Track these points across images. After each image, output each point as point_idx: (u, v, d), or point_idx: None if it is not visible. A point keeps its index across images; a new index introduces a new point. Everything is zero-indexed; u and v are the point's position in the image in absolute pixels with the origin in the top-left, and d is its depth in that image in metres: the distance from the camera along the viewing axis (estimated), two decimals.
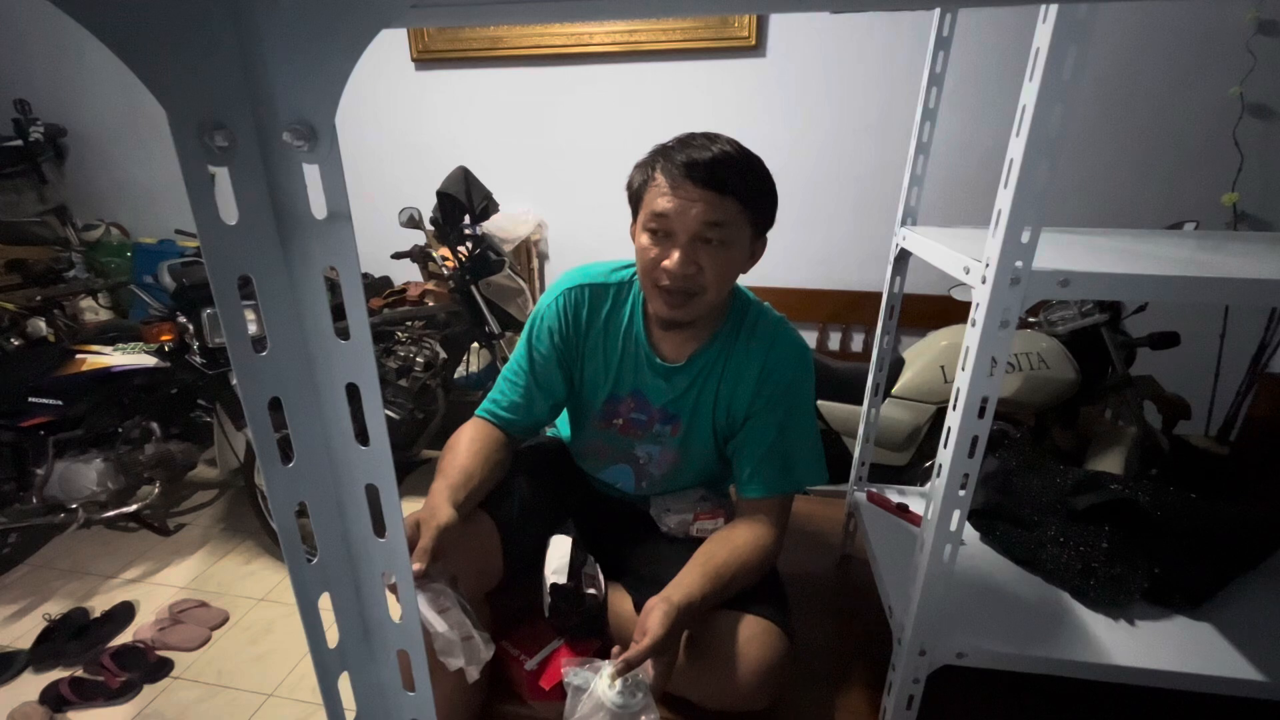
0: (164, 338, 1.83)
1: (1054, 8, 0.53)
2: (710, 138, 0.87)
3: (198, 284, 1.72)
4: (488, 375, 2.31)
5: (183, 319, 1.79)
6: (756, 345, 0.97)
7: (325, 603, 0.37)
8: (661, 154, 0.89)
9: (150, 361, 1.83)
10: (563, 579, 0.90)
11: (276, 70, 0.28)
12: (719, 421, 1.01)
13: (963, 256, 0.70)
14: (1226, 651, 0.81)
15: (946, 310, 1.99)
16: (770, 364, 0.96)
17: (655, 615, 0.78)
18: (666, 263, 0.87)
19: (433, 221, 1.94)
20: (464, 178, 1.92)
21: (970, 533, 1.06)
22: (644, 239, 0.89)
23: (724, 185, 0.85)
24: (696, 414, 1.00)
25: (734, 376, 0.98)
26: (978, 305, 0.64)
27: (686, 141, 0.88)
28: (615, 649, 0.78)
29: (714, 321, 0.98)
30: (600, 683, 0.75)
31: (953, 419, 0.69)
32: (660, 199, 0.86)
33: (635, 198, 0.92)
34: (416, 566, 0.76)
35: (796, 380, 0.97)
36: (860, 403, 1.20)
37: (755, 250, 0.93)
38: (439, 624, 0.74)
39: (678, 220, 0.85)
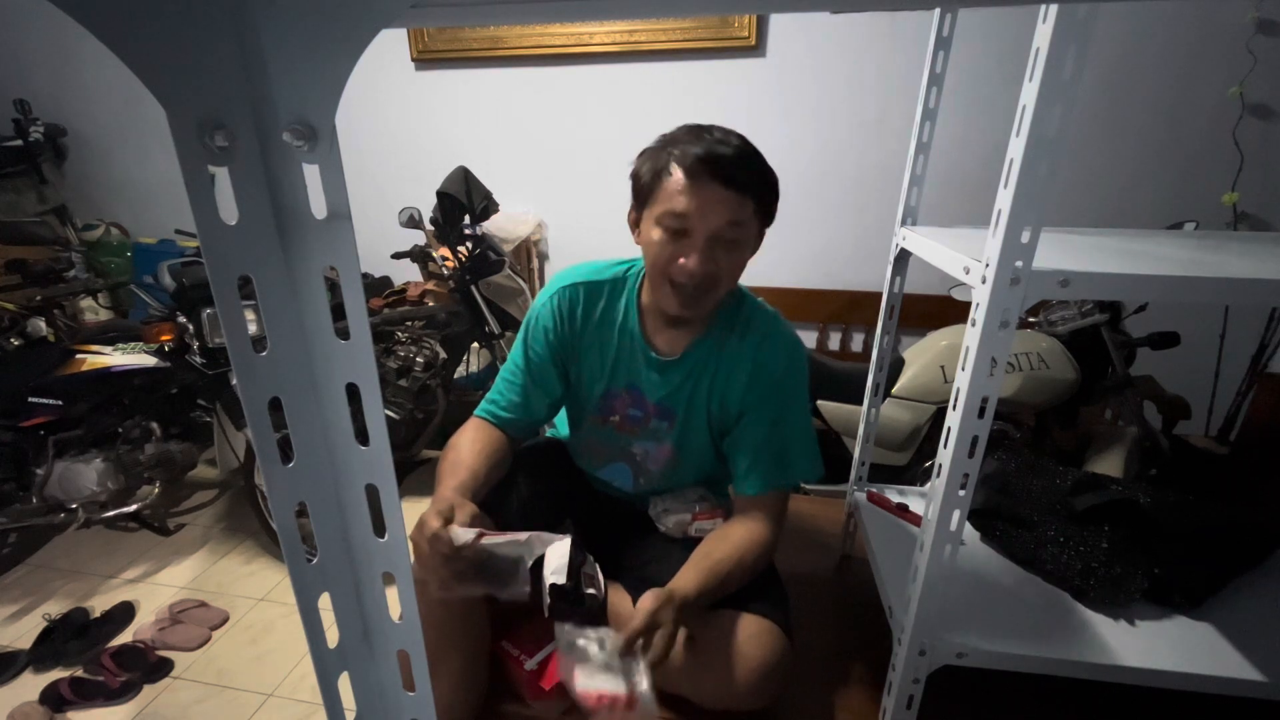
0: (164, 338, 1.83)
1: (1054, 8, 0.53)
2: (724, 132, 0.86)
3: (198, 284, 1.72)
4: (488, 375, 2.31)
5: (183, 319, 1.79)
6: (750, 339, 0.97)
7: (325, 603, 0.37)
8: (675, 145, 0.85)
9: (150, 361, 1.83)
10: (563, 579, 0.90)
11: (276, 70, 0.28)
12: (713, 415, 1.00)
13: (963, 256, 0.70)
14: (1226, 651, 0.81)
15: (946, 310, 1.99)
16: (763, 358, 0.96)
17: (648, 597, 0.79)
18: (685, 262, 0.85)
19: (433, 221, 1.94)
20: (464, 178, 1.92)
21: (970, 533, 1.06)
22: (656, 234, 0.87)
23: (746, 185, 0.84)
24: (691, 408, 1.00)
25: (727, 370, 0.97)
26: (978, 305, 0.64)
27: (699, 134, 0.85)
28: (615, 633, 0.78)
29: (709, 315, 0.98)
30: (594, 646, 0.77)
31: (953, 419, 0.69)
32: (680, 197, 0.83)
33: (645, 190, 0.88)
34: (470, 508, 0.82)
35: (789, 375, 0.97)
36: (860, 403, 1.20)
37: (757, 243, 0.93)
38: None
39: (698, 220, 0.84)
